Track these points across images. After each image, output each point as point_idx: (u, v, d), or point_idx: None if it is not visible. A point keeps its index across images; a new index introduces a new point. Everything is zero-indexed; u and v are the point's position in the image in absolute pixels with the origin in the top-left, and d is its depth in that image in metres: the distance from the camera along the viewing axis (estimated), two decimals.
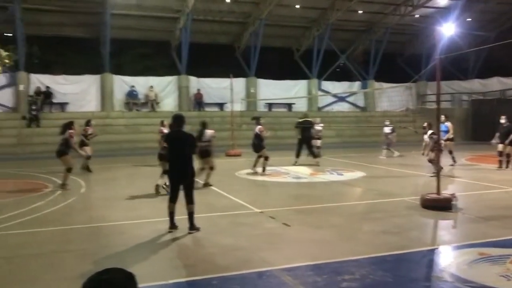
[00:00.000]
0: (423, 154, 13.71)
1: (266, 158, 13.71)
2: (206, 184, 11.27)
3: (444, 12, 27.00)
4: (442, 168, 11.98)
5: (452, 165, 14.56)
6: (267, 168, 13.82)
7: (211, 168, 11.42)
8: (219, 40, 28.75)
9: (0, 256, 6.01)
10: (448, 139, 14.77)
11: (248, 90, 27.82)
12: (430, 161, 12.62)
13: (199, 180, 10.58)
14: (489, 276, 5.01)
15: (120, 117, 24.43)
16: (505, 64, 27.87)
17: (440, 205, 8.45)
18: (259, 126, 13.90)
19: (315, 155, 15.72)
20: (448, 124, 14.99)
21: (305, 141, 15.75)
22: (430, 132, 12.79)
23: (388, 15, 28.09)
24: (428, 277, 5.29)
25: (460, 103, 29.12)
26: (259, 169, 13.73)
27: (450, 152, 14.90)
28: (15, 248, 6.41)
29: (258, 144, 13.80)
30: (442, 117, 15.15)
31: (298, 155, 15.66)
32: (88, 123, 14.56)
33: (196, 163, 10.62)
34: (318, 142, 17.38)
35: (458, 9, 26.06)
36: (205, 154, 11.15)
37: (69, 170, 11.24)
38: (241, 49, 28.76)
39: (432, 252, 6.12)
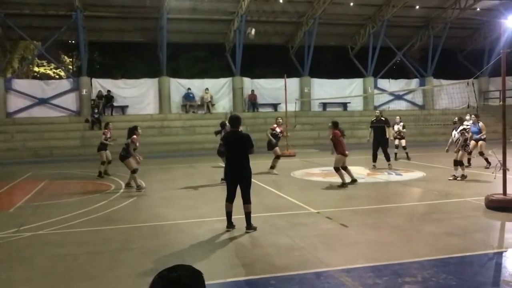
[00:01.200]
0: (447, 151, 12.94)
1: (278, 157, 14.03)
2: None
3: (507, 4, 25.68)
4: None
5: (487, 167, 13.72)
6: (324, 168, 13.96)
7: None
8: (273, 40, 28.86)
9: (66, 253, 6.30)
10: (479, 140, 14.05)
11: (302, 90, 27.67)
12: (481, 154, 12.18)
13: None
14: None
15: (177, 119, 25.01)
16: None
17: (507, 206, 8.05)
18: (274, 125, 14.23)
19: (389, 158, 14.48)
20: (481, 124, 14.25)
21: (379, 142, 14.57)
22: (461, 128, 12.16)
23: (447, 9, 27.07)
24: (495, 281, 5.04)
25: None
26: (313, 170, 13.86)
27: (482, 154, 14.10)
28: (80, 245, 6.71)
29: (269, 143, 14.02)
30: (473, 117, 14.44)
31: (375, 159, 14.59)
32: (106, 126, 14.16)
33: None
34: (403, 142, 16.80)
35: None
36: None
37: (133, 171, 11.48)
38: (295, 49, 28.68)
39: (499, 255, 5.84)
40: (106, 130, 13.99)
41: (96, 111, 23.56)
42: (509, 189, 8.51)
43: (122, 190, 11.42)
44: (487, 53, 28.90)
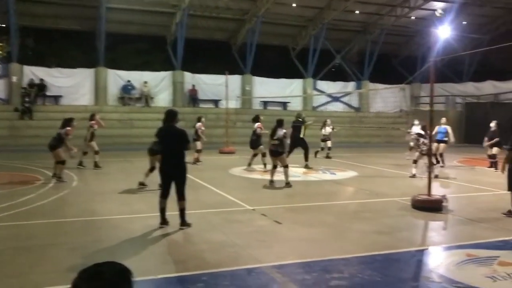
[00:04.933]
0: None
1: (264, 155, 13.82)
2: (287, 184, 11.02)
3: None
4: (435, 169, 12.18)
5: (442, 166, 14.63)
6: (253, 165, 14.13)
7: (286, 166, 11.14)
8: (215, 36, 28.74)
9: None
10: (442, 141, 14.84)
11: (244, 88, 27.81)
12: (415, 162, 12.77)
13: (194, 177, 10.61)
14: (476, 277, 5.06)
15: (113, 112, 24.34)
16: (499, 68, 28.08)
17: (430, 206, 8.52)
18: (258, 123, 14.06)
19: (307, 159, 14.88)
20: (448, 127, 15.10)
21: (295, 141, 14.90)
22: (416, 132, 12.94)
23: (384, 16, 28.16)
24: (416, 277, 5.33)
25: (454, 105, 29.29)
26: (256, 167, 13.91)
27: (441, 155, 14.97)
28: (5, 240, 6.39)
29: (255, 141, 14.00)
30: (443, 119, 15.30)
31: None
32: (92, 117, 14.11)
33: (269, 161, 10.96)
34: (328, 143, 17.41)
35: (454, 12, 26.15)
36: (275, 153, 11.16)
37: (62, 163, 11.34)
38: (237, 46, 28.75)
39: (421, 252, 6.17)
40: (93, 122, 13.76)
41: (27, 99, 22.44)
42: (434, 190, 9.00)
43: (51, 183, 10.98)
44: (420, 60, 30.32)
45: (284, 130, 11.31)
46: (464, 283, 4.88)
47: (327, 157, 17.20)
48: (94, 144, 13.85)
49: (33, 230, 6.94)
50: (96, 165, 13.71)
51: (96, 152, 13.86)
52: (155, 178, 9.85)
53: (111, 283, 1.66)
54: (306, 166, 14.60)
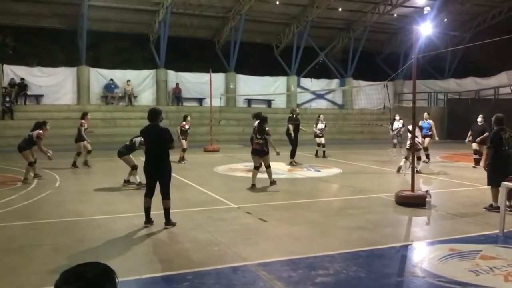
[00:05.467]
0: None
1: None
2: (272, 182, 10.88)
3: (421, 12, 27.32)
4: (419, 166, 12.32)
5: (426, 162, 14.78)
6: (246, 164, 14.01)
7: (268, 167, 10.86)
8: (199, 34, 28.63)
9: None
10: (426, 136, 14.96)
11: (228, 86, 27.75)
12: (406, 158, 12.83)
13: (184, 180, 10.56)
14: (459, 271, 5.13)
15: (96, 111, 24.02)
16: (479, 64, 28.45)
17: (414, 202, 8.60)
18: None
19: (293, 155, 14.94)
20: (431, 122, 15.30)
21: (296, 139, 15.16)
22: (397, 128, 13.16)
23: (367, 14, 28.31)
24: (401, 272, 5.38)
25: (436, 102, 29.63)
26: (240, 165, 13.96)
27: (426, 149, 15.11)
28: None
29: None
30: (426, 115, 15.47)
31: (294, 155, 15.01)
32: (84, 117, 13.96)
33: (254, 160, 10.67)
34: (322, 140, 17.15)
35: (435, 10, 26.39)
36: (260, 153, 10.68)
37: (31, 164, 11.36)
38: (221, 44, 28.67)
39: (405, 248, 6.23)
40: (83, 121, 13.61)
41: (7, 99, 22.05)
42: (417, 186, 9.09)
43: (33, 185, 10.83)
44: (403, 57, 30.59)
45: (267, 128, 10.84)
46: (447, 277, 4.95)
47: (324, 156, 16.84)
48: (86, 143, 13.71)
49: (16, 232, 6.84)
50: (86, 164, 13.68)
51: (89, 152, 13.76)
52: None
53: (94, 283, 1.64)
54: (291, 163, 14.64)
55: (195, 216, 7.87)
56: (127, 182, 10.74)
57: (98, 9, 24.01)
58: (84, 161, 13.74)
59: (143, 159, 7.26)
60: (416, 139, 11.71)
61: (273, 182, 10.94)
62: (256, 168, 10.80)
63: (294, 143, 15.08)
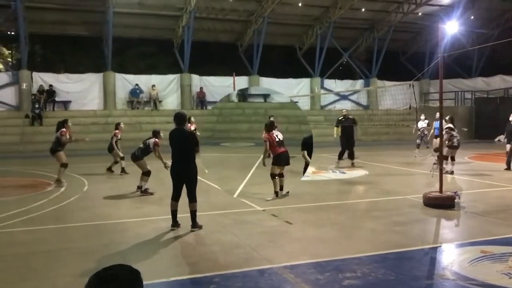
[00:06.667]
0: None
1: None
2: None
3: (447, 10, 26.91)
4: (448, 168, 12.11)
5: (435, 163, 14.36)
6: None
7: (281, 175, 9.95)
8: (222, 38, 28.79)
9: (4, 254, 6.03)
10: (437, 136, 14.62)
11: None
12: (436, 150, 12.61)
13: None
14: (491, 274, 5.00)
15: (122, 116, 24.36)
16: (508, 62, 27.82)
17: (442, 203, 8.43)
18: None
19: (353, 157, 14.80)
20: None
21: (348, 142, 14.95)
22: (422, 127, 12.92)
23: (391, 13, 28.00)
24: (430, 275, 5.27)
25: (464, 101, 29.06)
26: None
27: (437, 150, 14.74)
28: (19, 245, 6.43)
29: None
30: (438, 115, 15.09)
31: (341, 156, 14.96)
32: (117, 127, 13.84)
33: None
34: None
35: (461, 7, 25.95)
36: (288, 161, 9.92)
37: (63, 165, 11.57)
38: (244, 47, 28.76)
39: (434, 250, 6.11)
40: (117, 131, 13.60)
41: (37, 106, 22.64)
42: (446, 187, 8.92)
43: (63, 189, 11.03)
44: (428, 56, 30.13)
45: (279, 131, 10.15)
46: (479, 280, 4.83)
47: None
48: (117, 151, 13.55)
49: (45, 236, 6.96)
50: (123, 171, 13.39)
51: (122, 158, 13.50)
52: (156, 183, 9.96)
53: (127, 283, 1.71)
54: (352, 164, 14.61)
55: (220, 219, 7.88)
56: (139, 188, 10.37)
57: (123, 15, 24.39)
58: (121, 168, 13.42)
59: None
60: (455, 138, 11.58)
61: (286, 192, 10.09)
62: (281, 175, 9.93)
63: (349, 145, 14.91)
